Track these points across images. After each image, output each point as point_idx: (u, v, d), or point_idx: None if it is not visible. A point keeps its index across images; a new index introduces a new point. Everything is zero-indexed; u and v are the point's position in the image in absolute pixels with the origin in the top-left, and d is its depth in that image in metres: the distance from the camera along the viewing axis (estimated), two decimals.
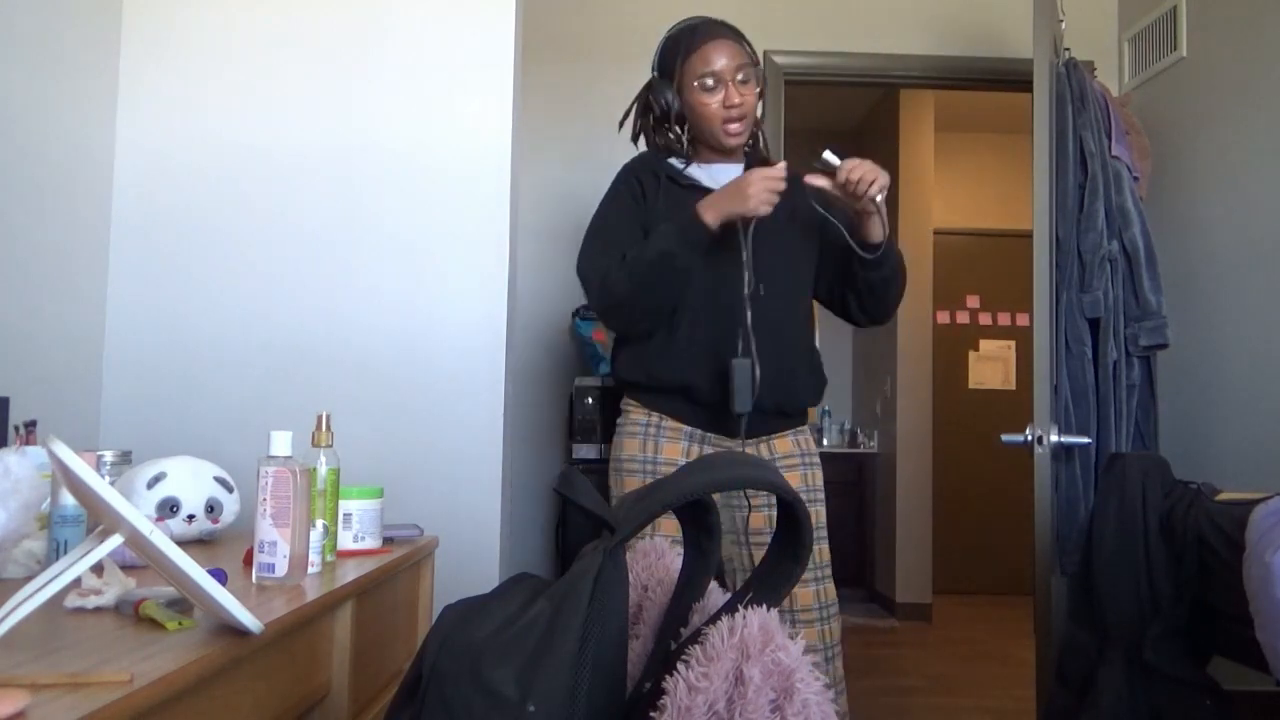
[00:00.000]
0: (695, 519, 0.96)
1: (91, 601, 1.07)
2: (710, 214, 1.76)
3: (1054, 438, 2.44)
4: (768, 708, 0.73)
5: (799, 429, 1.95)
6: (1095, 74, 3.30)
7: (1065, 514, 2.67)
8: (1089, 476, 2.71)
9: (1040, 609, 2.50)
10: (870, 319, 2.00)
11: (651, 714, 0.76)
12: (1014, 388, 6.07)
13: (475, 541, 2.20)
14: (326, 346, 2.23)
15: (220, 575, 1.17)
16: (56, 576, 0.91)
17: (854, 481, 5.55)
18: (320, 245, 2.25)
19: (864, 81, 3.65)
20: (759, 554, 1.82)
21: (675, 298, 1.82)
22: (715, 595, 0.98)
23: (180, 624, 0.99)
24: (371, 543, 1.58)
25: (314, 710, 1.28)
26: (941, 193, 5.92)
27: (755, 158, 1.96)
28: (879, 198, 1.76)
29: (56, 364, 2.04)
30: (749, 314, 1.78)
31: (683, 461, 1.87)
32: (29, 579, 1.00)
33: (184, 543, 1.58)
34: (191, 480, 1.61)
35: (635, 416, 1.91)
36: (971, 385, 6.12)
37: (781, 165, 1.77)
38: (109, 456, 1.70)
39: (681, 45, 1.88)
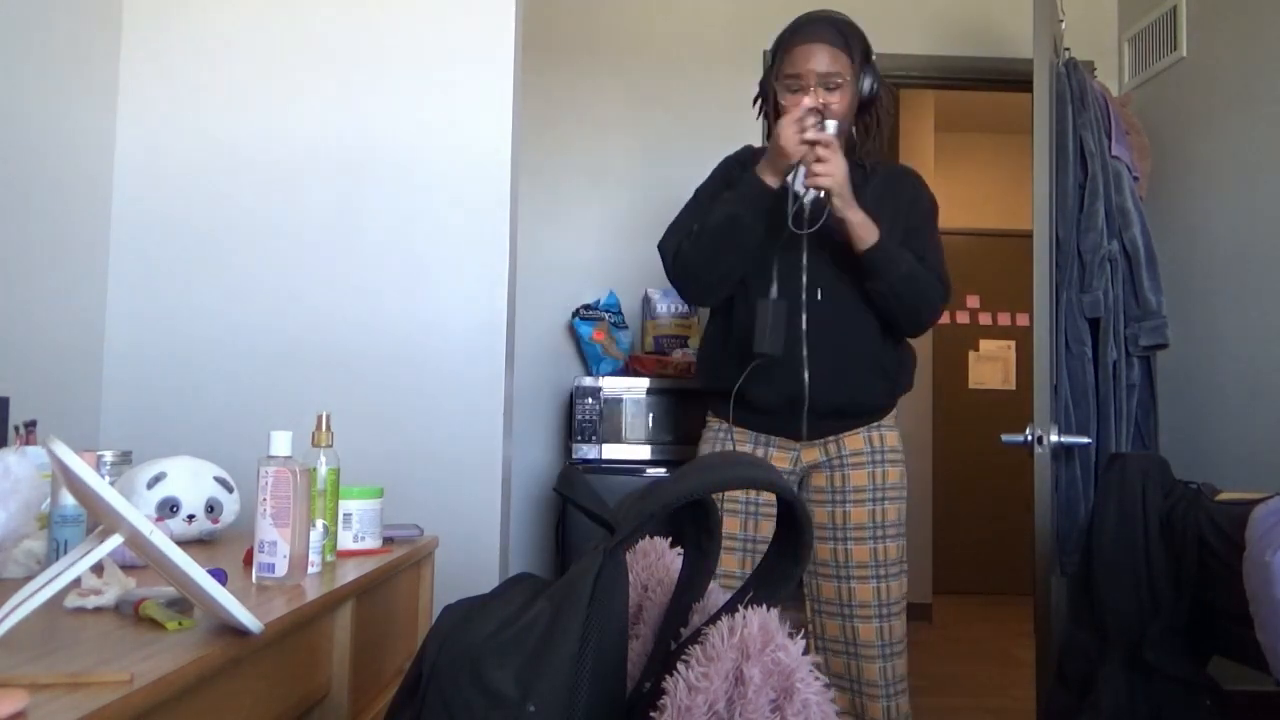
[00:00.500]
0: (695, 519, 0.96)
1: (91, 601, 1.07)
2: (766, 172, 1.78)
3: (1054, 438, 2.44)
4: (768, 708, 0.73)
5: (876, 425, 1.93)
6: (1095, 74, 3.30)
7: (1065, 514, 2.67)
8: (1089, 476, 2.71)
9: (1040, 609, 2.49)
10: (893, 329, 1.94)
11: (651, 714, 0.76)
12: (1014, 388, 6.07)
13: (475, 541, 2.20)
14: (326, 346, 2.23)
15: (220, 575, 1.17)
16: (56, 576, 0.91)
17: None
18: (320, 245, 2.25)
19: None
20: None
21: (743, 263, 1.83)
22: (715, 595, 0.98)
23: (180, 624, 0.99)
24: (371, 543, 1.58)
25: (314, 710, 1.28)
26: (941, 193, 5.86)
27: (854, 159, 1.92)
28: (820, 193, 1.75)
29: (56, 364, 2.04)
30: (804, 319, 1.81)
31: None
32: (29, 579, 1.00)
33: (184, 543, 1.57)
34: (191, 480, 1.61)
35: (712, 423, 1.98)
36: (971, 385, 6.12)
37: (800, 106, 1.76)
38: (109, 456, 1.70)
39: (782, 40, 1.89)
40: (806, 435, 1.88)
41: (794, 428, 1.87)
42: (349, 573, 1.40)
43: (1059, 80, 2.80)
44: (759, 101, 2.01)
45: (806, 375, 1.82)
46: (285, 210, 2.25)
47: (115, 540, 0.94)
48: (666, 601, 0.98)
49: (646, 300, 3.38)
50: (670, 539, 1.09)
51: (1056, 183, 2.66)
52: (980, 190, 6.27)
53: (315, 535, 1.34)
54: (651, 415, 3.15)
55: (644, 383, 3.17)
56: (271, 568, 1.24)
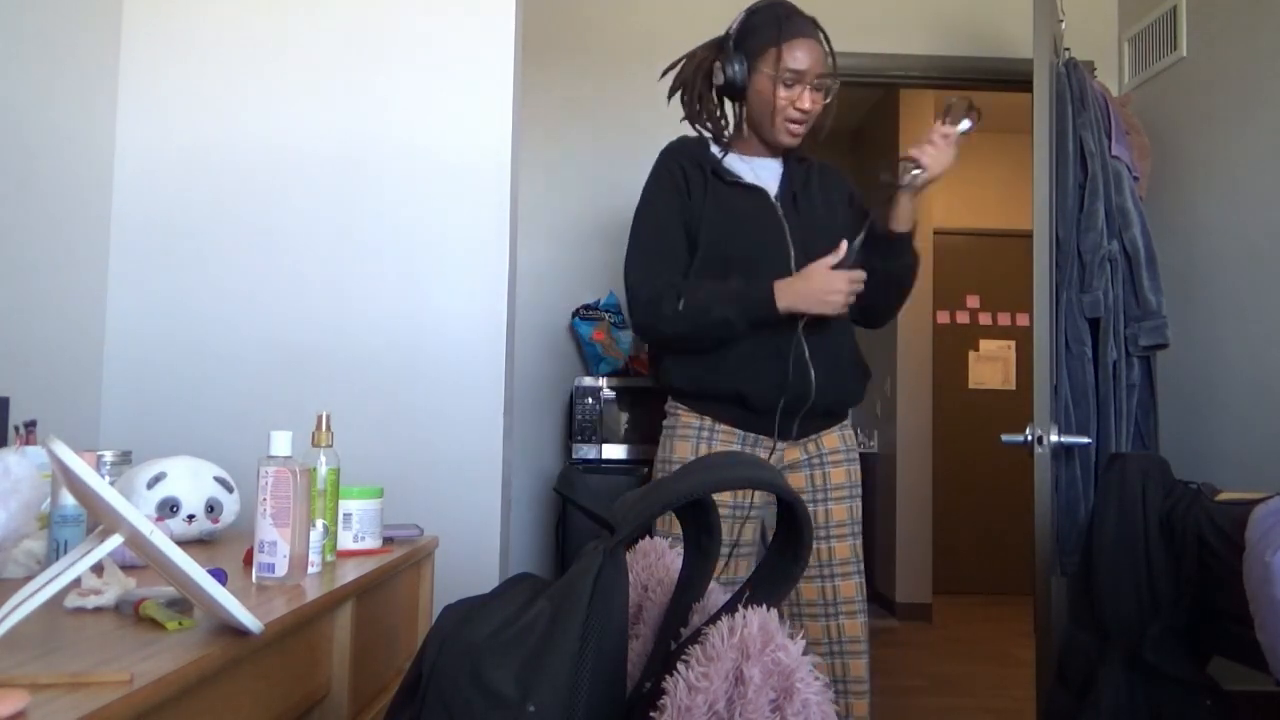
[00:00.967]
0: (695, 519, 0.96)
1: (91, 601, 1.07)
2: (784, 302, 1.77)
3: (1054, 438, 2.44)
4: (768, 708, 0.73)
5: (843, 425, 1.97)
6: (1095, 74, 3.30)
7: (1065, 514, 2.67)
8: (1089, 476, 2.71)
9: (1040, 609, 2.49)
10: (867, 320, 1.99)
11: (651, 714, 0.76)
12: (1014, 388, 6.07)
13: (475, 541, 2.20)
14: (327, 346, 2.23)
15: (220, 575, 1.17)
16: (56, 576, 0.91)
17: None
18: (320, 245, 2.25)
19: (864, 81, 3.64)
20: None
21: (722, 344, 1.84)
22: (715, 595, 0.98)
23: (180, 624, 0.99)
24: (371, 543, 1.58)
25: (314, 710, 1.28)
26: (941, 193, 5.92)
27: (793, 155, 1.94)
28: (919, 179, 1.80)
29: (56, 364, 2.04)
30: (801, 320, 1.81)
31: None
32: (29, 579, 1.00)
33: (184, 543, 1.58)
34: (191, 480, 1.61)
35: (686, 419, 1.90)
36: (971, 385, 6.12)
37: (862, 275, 1.79)
38: (109, 456, 1.70)
39: (773, 31, 1.82)
40: (796, 434, 1.87)
41: (785, 427, 1.85)
42: (349, 573, 1.40)
43: (1059, 80, 2.80)
44: (684, 89, 1.92)
45: (814, 375, 1.81)
46: (285, 210, 2.25)
47: (115, 540, 0.94)
48: (666, 601, 0.98)
49: None
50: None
51: (1056, 183, 2.66)
52: (980, 190, 6.27)
53: (315, 535, 1.34)
54: (651, 416, 3.15)
55: (644, 383, 3.17)
56: (271, 568, 1.24)
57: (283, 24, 2.28)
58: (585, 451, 3.12)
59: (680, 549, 1.01)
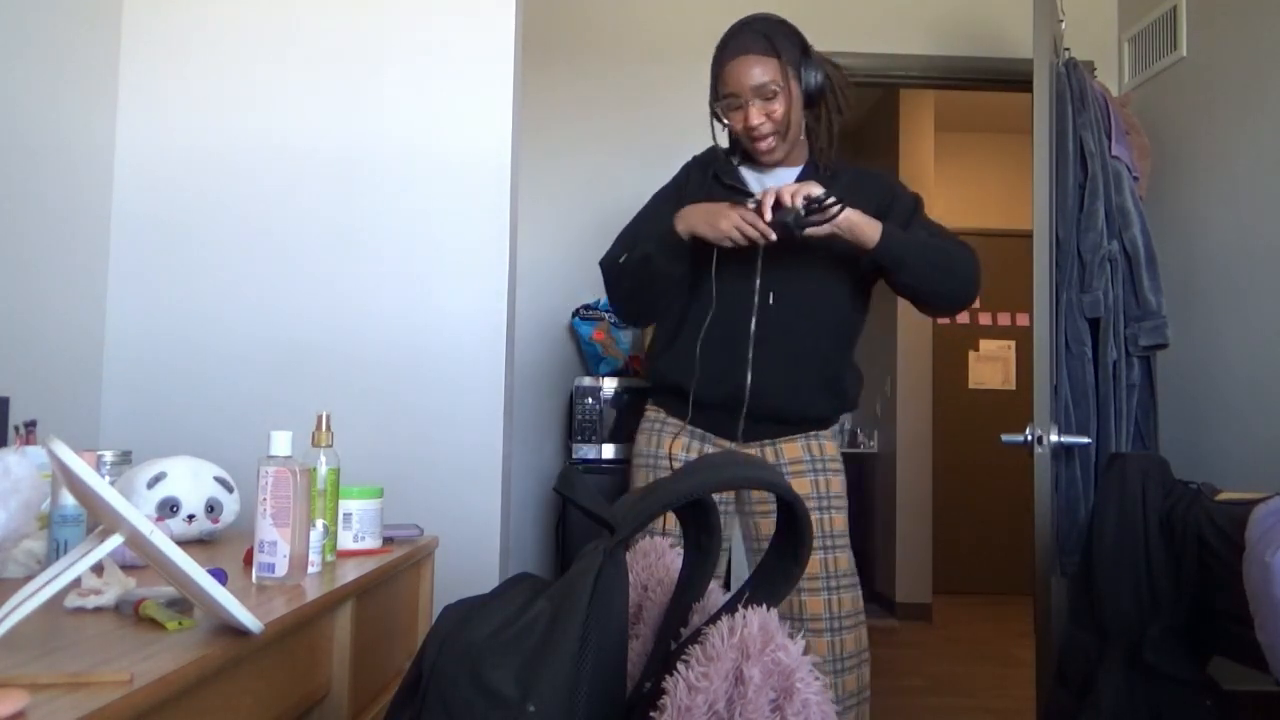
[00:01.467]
0: (695, 519, 0.96)
1: (91, 601, 1.07)
2: (681, 224, 1.76)
3: (1054, 438, 2.44)
4: (768, 708, 0.73)
5: (814, 434, 1.90)
6: (1095, 74, 3.30)
7: (1065, 514, 2.67)
8: (1089, 476, 2.71)
9: (1040, 609, 2.50)
10: (932, 312, 1.92)
11: (651, 714, 0.76)
12: (1014, 388, 6.08)
13: (475, 541, 2.20)
14: (327, 346, 2.23)
15: (220, 575, 1.17)
16: (56, 576, 0.91)
17: (854, 482, 5.48)
18: (320, 245, 2.25)
19: (864, 81, 3.64)
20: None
21: (665, 295, 1.84)
22: (715, 595, 0.98)
23: (180, 624, 0.99)
24: (371, 543, 1.58)
25: (314, 710, 1.28)
26: (941, 193, 5.92)
27: (813, 161, 1.90)
28: (803, 202, 1.67)
29: (56, 364, 2.04)
30: (753, 321, 1.80)
31: (683, 456, 1.88)
32: (29, 579, 1.00)
33: (184, 543, 1.58)
34: (191, 480, 1.61)
35: (650, 413, 1.96)
36: (971, 385, 6.13)
37: (766, 210, 1.68)
38: (109, 456, 1.70)
39: (715, 59, 1.84)
40: (742, 437, 1.86)
41: (731, 427, 1.85)
42: (349, 573, 1.40)
43: (1059, 80, 2.80)
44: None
45: (749, 377, 1.80)
46: (285, 210, 2.25)
47: (115, 540, 0.94)
48: (666, 601, 0.98)
49: None
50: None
51: (1056, 183, 2.66)
52: (980, 190, 6.27)
53: (315, 535, 1.34)
54: None
55: (644, 383, 3.16)
56: (271, 568, 1.24)
57: (283, 24, 2.28)
58: (585, 451, 3.12)
59: (680, 549, 1.01)
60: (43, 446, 1.07)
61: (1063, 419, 2.68)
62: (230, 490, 1.66)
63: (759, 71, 1.78)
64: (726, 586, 1.80)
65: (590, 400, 3.14)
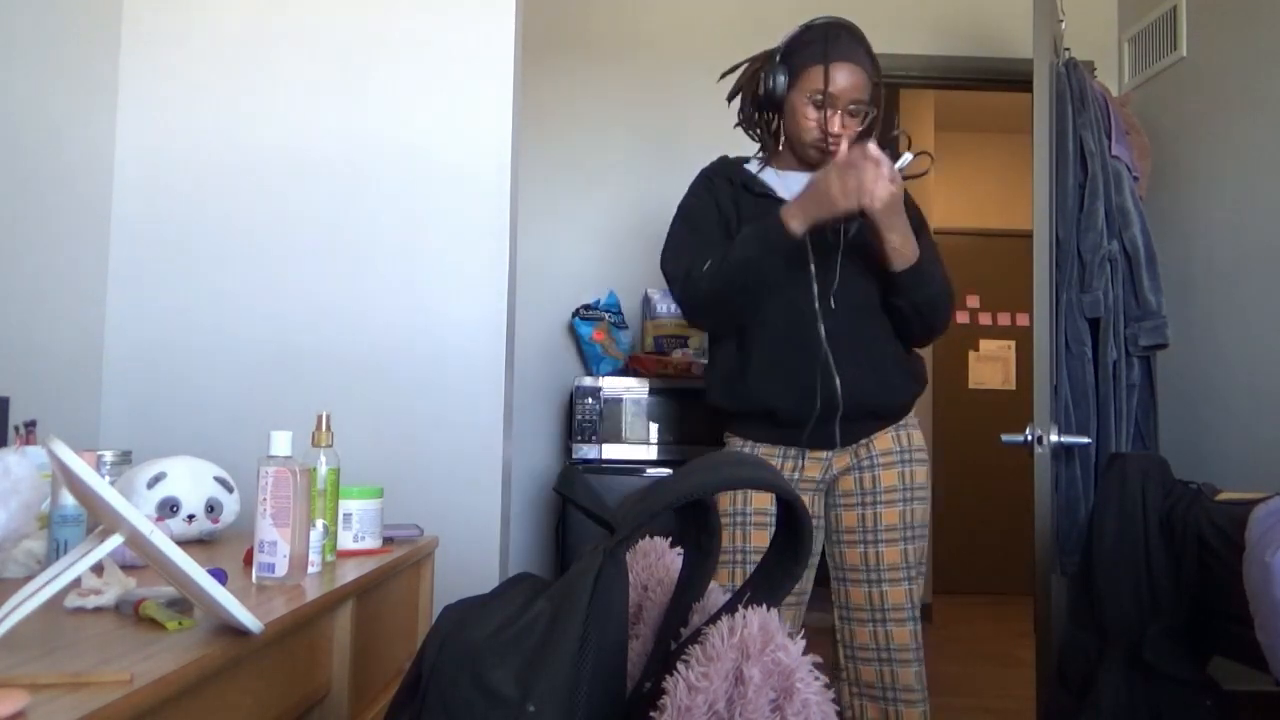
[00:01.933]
0: (695, 519, 0.96)
1: (91, 601, 1.07)
2: (796, 222, 1.70)
3: (1054, 438, 2.44)
4: (768, 708, 0.73)
5: (902, 424, 1.91)
6: (1095, 74, 3.30)
7: (1065, 514, 2.67)
8: (1089, 476, 2.71)
9: (1040, 609, 2.49)
10: (904, 341, 1.91)
11: (651, 714, 0.76)
12: (1014, 388, 6.07)
13: (475, 541, 2.20)
14: (327, 346, 2.23)
15: (220, 575, 1.17)
16: (56, 576, 0.91)
17: None
18: (320, 245, 2.25)
19: None
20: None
21: (756, 301, 1.79)
22: (715, 595, 0.98)
23: (180, 624, 0.99)
24: (371, 543, 1.58)
25: (314, 710, 1.28)
26: (941, 193, 5.92)
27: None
28: (874, 204, 1.66)
29: (56, 364, 2.04)
30: (822, 328, 1.78)
31: None
32: (29, 579, 1.00)
33: (184, 543, 1.58)
34: (191, 480, 1.61)
35: (735, 443, 1.91)
36: (971, 385, 6.12)
37: (848, 152, 1.66)
38: (109, 456, 1.70)
39: (816, 49, 1.81)
40: (840, 441, 1.84)
41: (828, 435, 1.83)
42: (349, 573, 1.40)
43: (1059, 80, 2.80)
44: (740, 93, 1.92)
45: (838, 382, 1.79)
46: (285, 210, 2.25)
47: (115, 540, 0.94)
48: (666, 601, 0.98)
49: (646, 300, 3.37)
50: (670, 538, 1.09)
51: (1056, 183, 2.66)
52: (980, 190, 6.27)
53: (315, 535, 1.34)
54: (651, 415, 3.15)
55: (644, 383, 3.17)
56: (271, 568, 1.24)
57: (283, 24, 2.28)
58: (585, 451, 3.12)
59: (680, 549, 1.01)
60: (43, 446, 1.07)
61: (1063, 419, 2.68)
62: (230, 490, 1.66)
63: (861, 86, 1.81)
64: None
65: (590, 400, 3.13)
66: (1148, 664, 2.15)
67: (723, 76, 1.96)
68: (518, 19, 2.34)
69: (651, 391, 3.15)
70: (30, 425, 1.60)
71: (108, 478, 1.65)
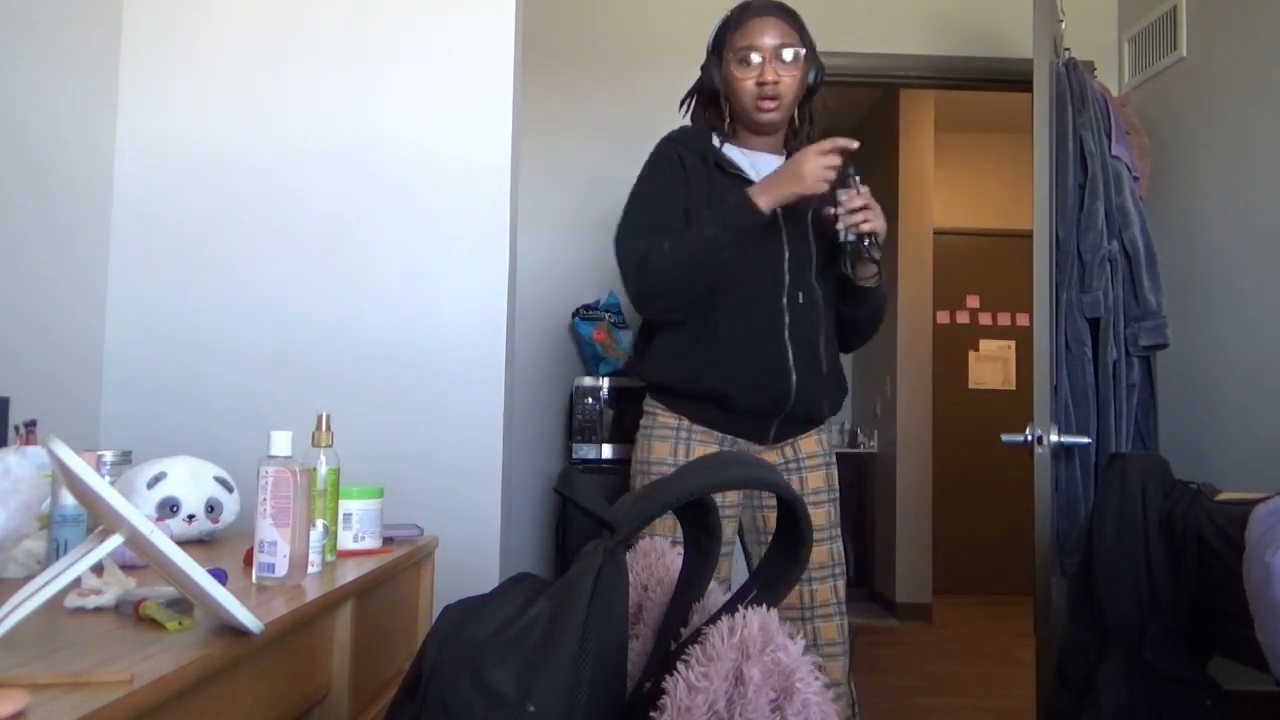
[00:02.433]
0: (695, 519, 0.96)
1: (91, 601, 1.07)
2: (765, 199, 1.70)
3: (1054, 438, 2.44)
4: (768, 708, 0.73)
5: (820, 429, 1.96)
6: (1095, 74, 3.30)
7: (1065, 514, 2.67)
8: (1089, 476, 2.71)
9: (1040, 609, 2.49)
10: (843, 346, 2.01)
11: (651, 714, 0.76)
12: (1014, 388, 6.08)
13: (475, 541, 2.20)
14: (327, 346, 2.23)
15: (220, 575, 1.17)
16: (56, 576, 0.91)
17: (854, 481, 5.55)
18: (320, 245, 2.25)
19: (864, 81, 3.65)
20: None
21: (715, 286, 1.76)
22: (715, 595, 0.98)
23: (180, 624, 0.99)
24: (371, 543, 1.58)
25: (314, 710, 1.28)
26: (941, 193, 5.93)
27: (797, 147, 1.89)
28: (865, 239, 1.75)
29: (56, 364, 2.04)
30: (787, 325, 1.80)
31: None
32: (29, 579, 1.00)
33: (184, 543, 1.58)
34: (191, 480, 1.61)
35: (664, 419, 1.88)
36: (971, 385, 6.12)
37: (833, 140, 1.71)
38: (109, 456, 1.70)
39: (730, 20, 1.87)
40: (772, 439, 1.86)
41: (762, 431, 1.84)
42: (349, 573, 1.40)
43: (1059, 80, 2.80)
44: (690, 99, 1.97)
45: (794, 380, 1.81)
46: (285, 210, 2.25)
47: (115, 540, 0.94)
48: (666, 601, 0.98)
49: None
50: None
51: (1056, 183, 2.66)
52: (980, 190, 6.27)
53: (315, 535, 1.34)
54: None
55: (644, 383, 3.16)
56: (271, 568, 1.24)
57: (283, 24, 2.28)
58: (585, 451, 3.12)
59: (680, 549, 1.01)
60: (43, 446, 1.07)
61: (1063, 419, 2.68)
62: (230, 490, 1.66)
63: (783, 34, 1.82)
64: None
65: (590, 400, 3.14)
66: (1148, 664, 2.15)
67: (681, 105, 2.00)
68: (518, 19, 2.34)
69: None
70: (30, 425, 1.60)
71: (108, 478, 1.65)
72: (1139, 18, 3.37)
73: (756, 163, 1.89)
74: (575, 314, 3.39)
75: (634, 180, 1.93)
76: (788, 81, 1.82)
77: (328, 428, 1.48)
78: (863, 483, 5.63)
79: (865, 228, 1.74)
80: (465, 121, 2.29)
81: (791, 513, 0.88)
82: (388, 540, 1.70)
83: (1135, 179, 2.92)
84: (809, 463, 1.90)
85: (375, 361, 2.23)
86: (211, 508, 1.61)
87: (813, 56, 1.87)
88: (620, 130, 3.54)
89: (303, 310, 2.23)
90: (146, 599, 1.04)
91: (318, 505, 1.41)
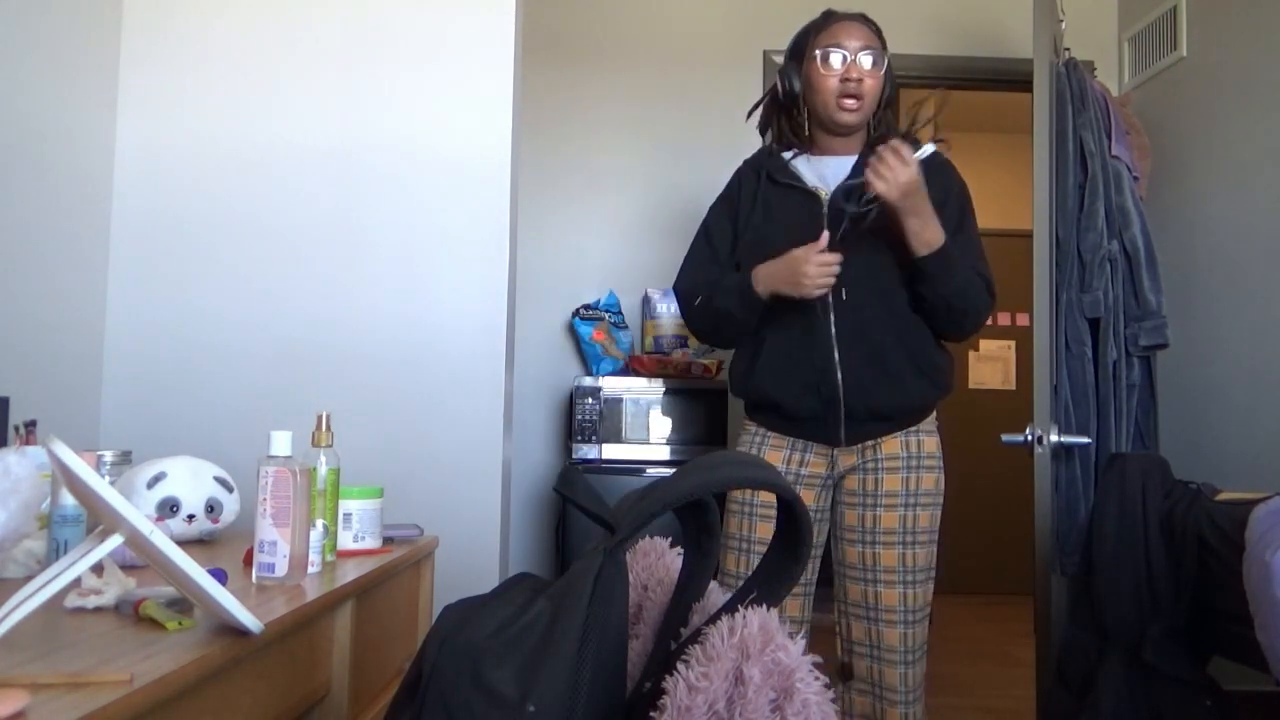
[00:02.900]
0: (695, 519, 0.96)
1: (91, 601, 1.07)
2: (761, 287, 1.79)
3: (1054, 438, 2.44)
4: (768, 708, 0.73)
5: (914, 429, 1.90)
6: (1095, 74, 3.30)
7: (1065, 514, 2.67)
8: (1089, 476, 2.71)
9: (1040, 609, 2.49)
10: (937, 335, 1.90)
11: (651, 714, 0.76)
12: (1014, 388, 6.07)
13: (475, 541, 2.20)
14: (327, 346, 2.23)
15: (220, 575, 1.17)
16: (56, 576, 0.91)
17: None
18: (320, 245, 2.25)
19: None
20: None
21: (747, 331, 1.87)
22: (715, 595, 0.98)
23: (180, 624, 0.99)
24: (371, 543, 1.58)
25: (314, 710, 1.28)
26: None
27: (865, 152, 1.88)
28: (882, 191, 1.68)
29: (56, 364, 2.04)
30: (833, 323, 1.80)
31: (780, 470, 1.87)
32: (29, 579, 1.00)
33: (184, 543, 1.58)
34: (191, 480, 1.61)
35: (748, 426, 1.96)
36: (971, 385, 6.12)
37: (836, 256, 1.72)
38: (109, 456, 1.70)
39: (813, 26, 1.89)
40: (845, 440, 1.86)
41: (833, 432, 1.85)
42: (349, 573, 1.40)
43: (1059, 80, 2.80)
44: (758, 107, 1.97)
45: (840, 379, 1.80)
46: (285, 210, 2.25)
47: (115, 540, 0.94)
48: (666, 601, 0.98)
49: (646, 300, 3.38)
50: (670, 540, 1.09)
51: (1056, 183, 2.66)
52: (980, 190, 6.24)
53: (315, 535, 1.34)
54: (651, 415, 3.15)
55: (644, 383, 3.17)
56: (271, 568, 1.24)
57: (283, 23, 2.28)
58: (585, 451, 3.12)
59: (680, 549, 1.02)
60: (43, 446, 1.07)
61: (1063, 419, 2.68)
62: (230, 490, 1.66)
63: (866, 39, 1.86)
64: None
65: (590, 400, 3.13)
66: (1148, 664, 2.15)
67: (749, 115, 2.02)
68: (518, 19, 2.34)
69: (651, 391, 3.15)
70: (30, 425, 1.60)
71: (108, 478, 1.65)
72: (1139, 17, 3.37)
73: (820, 169, 1.89)
74: (575, 314, 3.39)
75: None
76: (869, 83, 1.84)
77: (328, 428, 1.48)
78: None
79: (880, 189, 1.69)
80: (465, 121, 2.29)
81: (791, 512, 0.88)
82: (388, 540, 1.70)
83: (1135, 179, 2.93)
84: (887, 464, 1.88)
85: (375, 361, 2.23)
86: (211, 508, 1.61)
87: (889, 70, 1.89)
88: (621, 130, 3.54)
89: (303, 310, 2.23)
90: (146, 599, 1.04)
91: (318, 505, 1.41)
